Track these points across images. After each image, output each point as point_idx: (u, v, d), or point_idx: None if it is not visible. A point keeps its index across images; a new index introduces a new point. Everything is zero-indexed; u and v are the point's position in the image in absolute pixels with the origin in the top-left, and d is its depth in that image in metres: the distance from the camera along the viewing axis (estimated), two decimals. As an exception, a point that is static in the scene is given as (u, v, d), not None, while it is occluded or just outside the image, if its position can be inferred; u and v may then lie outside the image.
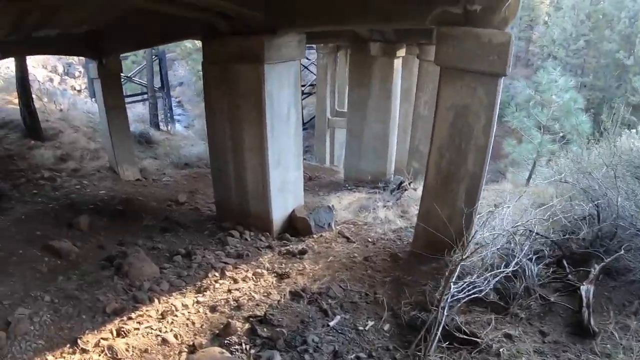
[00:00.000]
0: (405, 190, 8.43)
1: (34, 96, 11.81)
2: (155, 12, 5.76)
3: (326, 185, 10.19)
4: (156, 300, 4.42)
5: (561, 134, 10.78)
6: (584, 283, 3.53)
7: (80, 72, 23.23)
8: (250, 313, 3.97)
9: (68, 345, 3.81)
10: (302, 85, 21.08)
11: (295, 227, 6.17)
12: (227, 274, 4.82)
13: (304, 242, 5.81)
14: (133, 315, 4.19)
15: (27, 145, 9.45)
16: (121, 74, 9.92)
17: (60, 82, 19.21)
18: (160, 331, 3.91)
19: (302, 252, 5.36)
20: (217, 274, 4.87)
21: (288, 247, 5.65)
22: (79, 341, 3.82)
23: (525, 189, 7.11)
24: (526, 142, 11.94)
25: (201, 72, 6.37)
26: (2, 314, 4.38)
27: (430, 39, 8.20)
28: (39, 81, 13.12)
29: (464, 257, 3.56)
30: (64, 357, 3.69)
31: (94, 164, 9.86)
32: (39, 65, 19.41)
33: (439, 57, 4.17)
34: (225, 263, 5.16)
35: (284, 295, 4.26)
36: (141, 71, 16.87)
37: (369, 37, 8.73)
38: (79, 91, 20.27)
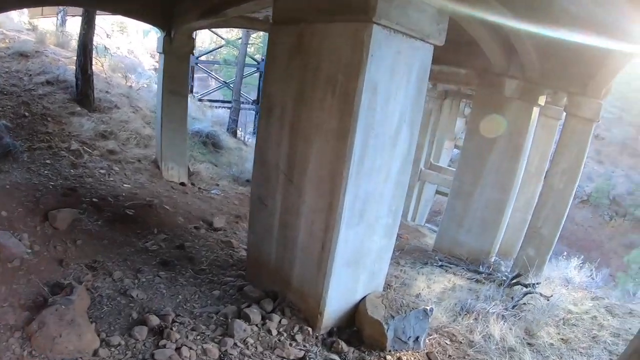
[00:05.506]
0: (529, 292, 5.40)
1: (106, 66, 10.86)
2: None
3: (410, 252, 7.37)
4: None
5: None
6: None
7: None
8: None
9: None
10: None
11: (360, 330, 3.43)
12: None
13: (367, 366, 3.09)
14: None
15: (69, 110, 8.16)
16: (192, 54, 8.62)
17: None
18: None
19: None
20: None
21: (337, 369, 2.97)
22: None
23: None
24: None
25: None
26: None
27: (586, 88, 5.70)
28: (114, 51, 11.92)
29: None
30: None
31: (138, 152, 8.26)
32: (147, 53, 19.60)
33: None
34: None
35: None
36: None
37: (505, 70, 6.47)
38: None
